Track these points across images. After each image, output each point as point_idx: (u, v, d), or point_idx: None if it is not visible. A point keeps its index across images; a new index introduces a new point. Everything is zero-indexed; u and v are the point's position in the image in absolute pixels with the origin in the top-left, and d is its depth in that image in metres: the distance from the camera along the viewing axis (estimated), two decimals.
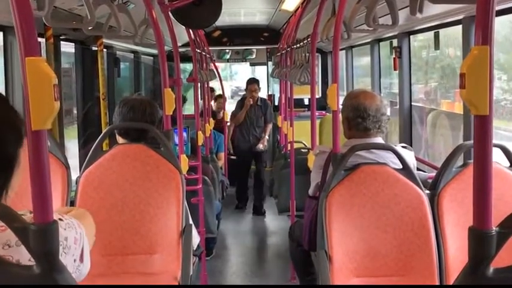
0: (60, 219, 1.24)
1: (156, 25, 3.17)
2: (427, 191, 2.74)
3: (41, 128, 1.12)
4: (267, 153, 8.13)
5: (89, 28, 2.63)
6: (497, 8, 1.54)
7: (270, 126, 7.86)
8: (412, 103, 5.03)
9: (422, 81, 5.95)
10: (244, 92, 8.12)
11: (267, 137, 7.79)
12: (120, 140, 3.09)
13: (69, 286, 1.18)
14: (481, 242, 1.19)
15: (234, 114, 7.88)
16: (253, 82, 7.79)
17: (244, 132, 7.73)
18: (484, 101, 1.16)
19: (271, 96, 10.24)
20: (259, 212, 7.40)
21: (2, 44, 3.54)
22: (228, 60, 10.29)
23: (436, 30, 4.18)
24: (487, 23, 1.15)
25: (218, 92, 9.20)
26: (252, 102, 7.57)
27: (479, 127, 1.19)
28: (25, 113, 1.14)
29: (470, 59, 1.17)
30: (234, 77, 16.63)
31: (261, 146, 7.60)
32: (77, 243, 1.28)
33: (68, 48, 4.91)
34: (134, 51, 7.31)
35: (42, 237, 1.13)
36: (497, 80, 4.39)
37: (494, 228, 1.20)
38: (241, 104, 7.84)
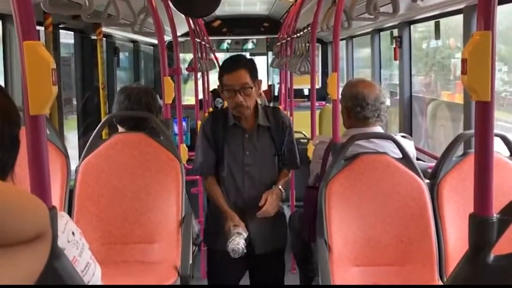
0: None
1: (155, 13, 3.15)
2: (427, 181, 2.74)
3: (39, 113, 1.11)
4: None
5: (88, 15, 2.61)
6: None
7: (289, 176, 3.19)
8: (412, 93, 5.02)
9: (422, 73, 5.92)
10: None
11: (280, 187, 3.03)
12: (119, 128, 3.09)
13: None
14: (481, 229, 1.19)
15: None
16: (233, 67, 2.89)
17: (231, 193, 3.01)
18: (485, 86, 1.15)
19: (271, 87, 10.21)
20: None
21: (1, 32, 3.52)
22: (227, 50, 10.27)
23: (436, 20, 4.16)
24: (489, 8, 1.14)
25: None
26: None
27: (481, 113, 1.18)
28: (23, 99, 1.13)
29: (472, 44, 1.15)
30: None
31: (270, 209, 2.93)
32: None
33: (67, 39, 4.89)
34: (134, 41, 7.28)
35: None
36: (497, 71, 4.37)
37: (495, 215, 1.19)
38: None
